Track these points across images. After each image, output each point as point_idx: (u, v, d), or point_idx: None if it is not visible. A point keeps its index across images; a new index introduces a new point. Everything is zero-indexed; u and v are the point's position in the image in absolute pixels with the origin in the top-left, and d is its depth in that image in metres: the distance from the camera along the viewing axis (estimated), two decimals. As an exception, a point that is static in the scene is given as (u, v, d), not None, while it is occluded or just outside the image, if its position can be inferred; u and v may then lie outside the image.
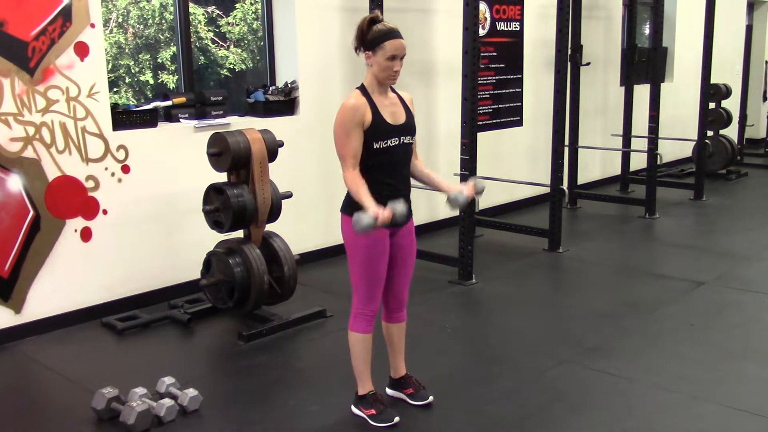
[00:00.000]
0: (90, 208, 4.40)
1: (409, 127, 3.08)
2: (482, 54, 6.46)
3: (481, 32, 6.53)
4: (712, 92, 8.39)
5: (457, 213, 3.03)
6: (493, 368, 3.80)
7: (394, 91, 3.12)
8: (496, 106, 6.97)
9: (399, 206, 2.83)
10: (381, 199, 3.03)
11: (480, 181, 3.11)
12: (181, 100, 4.92)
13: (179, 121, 4.89)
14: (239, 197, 4.17)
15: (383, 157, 3.00)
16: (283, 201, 4.42)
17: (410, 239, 3.23)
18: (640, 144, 7.61)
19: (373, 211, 2.78)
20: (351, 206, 3.06)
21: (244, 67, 6.15)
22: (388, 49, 2.92)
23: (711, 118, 8.61)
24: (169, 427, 3.18)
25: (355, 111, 2.94)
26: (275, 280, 4.35)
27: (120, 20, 5.63)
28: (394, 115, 3.03)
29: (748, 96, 10.61)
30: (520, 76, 7.17)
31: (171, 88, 5.53)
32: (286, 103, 5.37)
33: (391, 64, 2.95)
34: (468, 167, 4.99)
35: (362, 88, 3.03)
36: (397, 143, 3.02)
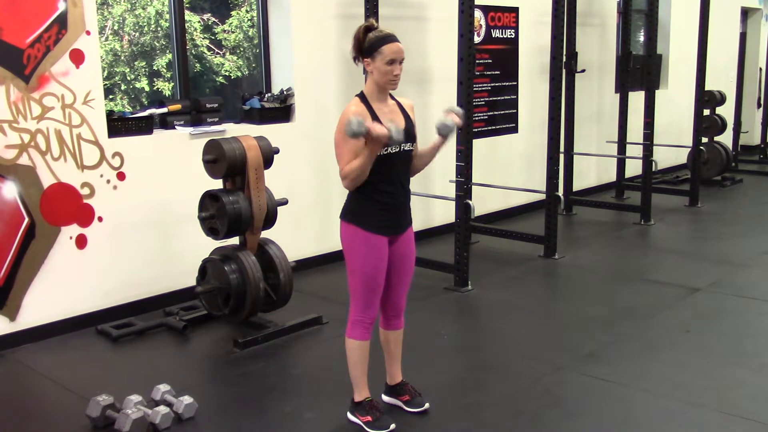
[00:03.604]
0: (85, 216, 4.40)
1: (408, 134, 3.06)
2: (477, 61, 6.48)
3: (476, 39, 6.56)
4: (706, 99, 8.42)
5: (453, 137, 3.07)
6: (489, 375, 3.80)
7: (393, 98, 3.13)
8: (491, 113, 7.00)
9: (395, 127, 2.84)
10: (380, 206, 3.04)
11: (453, 107, 3.12)
12: (177, 107, 4.93)
13: (175, 128, 4.89)
14: (235, 204, 4.17)
15: (382, 164, 2.99)
16: (278, 208, 4.42)
17: (410, 247, 3.23)
18: (635, 151, 7.62)
19: (369, 123, 2.79)
20: (350, 212, 3.06)
21: (239, 74, 6.16)
22: (386, 53, 2.93)
23: (706, 124, 8.63)
24: (164, 435, 3.18)
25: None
26: (271, 287, 4.35)
27: (116, 27, 5.64)
28: (393, 122, 3.02)
29: (742, 103, 10.66)
30: (515, 83, 7.20)
31: (166, 95, 5.53)
32: (281, 110, 5.37)
33: (391, 68, 2.95)
34: (463, 174, 4.99)
35: (362, 96, 3.04)
36: (396, 150, 3.02)
